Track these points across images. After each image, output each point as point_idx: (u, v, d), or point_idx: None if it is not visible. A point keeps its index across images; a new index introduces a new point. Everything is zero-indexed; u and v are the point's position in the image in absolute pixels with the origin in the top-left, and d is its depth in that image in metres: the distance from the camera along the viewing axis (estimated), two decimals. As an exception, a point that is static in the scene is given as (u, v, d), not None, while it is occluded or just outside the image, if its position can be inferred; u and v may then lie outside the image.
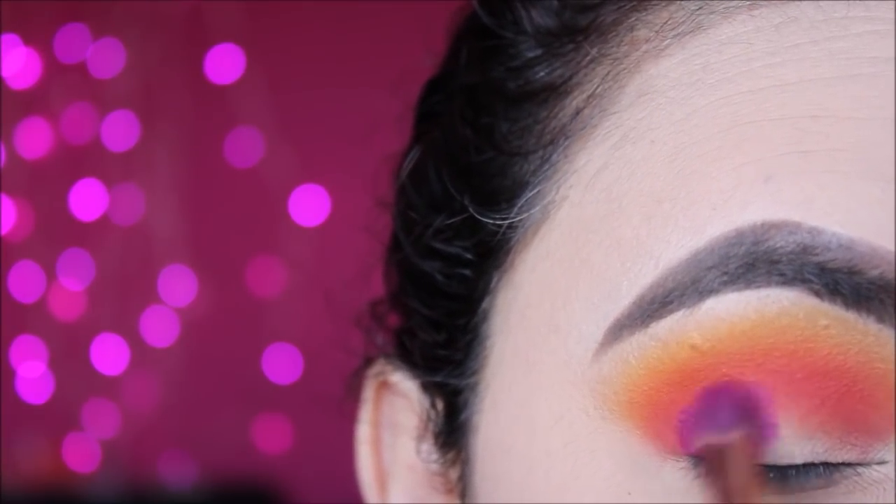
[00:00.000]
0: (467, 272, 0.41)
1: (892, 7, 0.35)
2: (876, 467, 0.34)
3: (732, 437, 0.33)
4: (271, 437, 2.85)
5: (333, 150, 2.00)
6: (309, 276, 2.53)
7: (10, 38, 2.77)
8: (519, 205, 0.39)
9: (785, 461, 0.34)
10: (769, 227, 0.33)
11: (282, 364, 2.81)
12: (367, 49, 2.61)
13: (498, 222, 0.40)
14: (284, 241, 2.77)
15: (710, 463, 0.33)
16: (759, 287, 0.33)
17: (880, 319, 0.33)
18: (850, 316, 0.33)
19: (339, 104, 2.43)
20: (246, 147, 2.83)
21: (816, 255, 0.33)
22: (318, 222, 2.78)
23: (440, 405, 0.43)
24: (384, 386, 0.47)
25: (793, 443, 0.34)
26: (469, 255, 0.41)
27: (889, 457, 0.34)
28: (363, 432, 0.47)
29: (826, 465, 0.34)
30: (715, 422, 0.34)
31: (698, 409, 0.34)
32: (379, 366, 0.47)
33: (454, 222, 0.41)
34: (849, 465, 0.34)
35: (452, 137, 0.42)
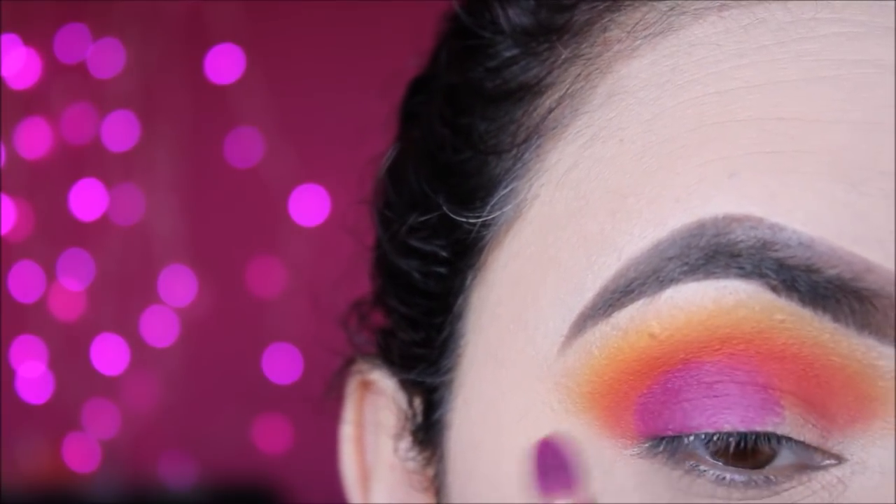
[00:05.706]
0: (443, 270, 0.42)
1: (859, 9, 0.35)
2: (832, 470, 0.34)
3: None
4: (271, 437, 2.85)
5: (333, 150, 2.00)
6: (309, 276, 2.53)
7: (10, 38, 2.77)
8: (492, 203, 0.39)
9: (747, 427, 0.34)
10: (731, 221, 0.34)
11: (281, 364, 2.80)
12: (368, 49, 2.60)
13: (471, 221, 0.40)
14: (284, 241, 2.77)
15: None
16: (717, 278, 0.34)
17: (836, 318, 0.33)
18: (807, 313, 0.33)
19: (340, 104, 2.43)
20: (246, 147, 2.83)
21: (776, 251, 0.33)
22: (318, 222, 2.78)
23: (417, 403, 0.44)
24: (365, 385, 0.47)
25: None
26: (445, 254, 0.41)
27: (847, 453, 0.34)
28: (347, 431, 0.47)
29: (788, 439, 0.34)
30: (682, 398, 0.34)
31: (664, 388, 0.35)
32: (359, 365, 0.47)
33: (431, 221, 0.42)
34: (809, 446, 0.34)
35: (431, 137, 0.42)
